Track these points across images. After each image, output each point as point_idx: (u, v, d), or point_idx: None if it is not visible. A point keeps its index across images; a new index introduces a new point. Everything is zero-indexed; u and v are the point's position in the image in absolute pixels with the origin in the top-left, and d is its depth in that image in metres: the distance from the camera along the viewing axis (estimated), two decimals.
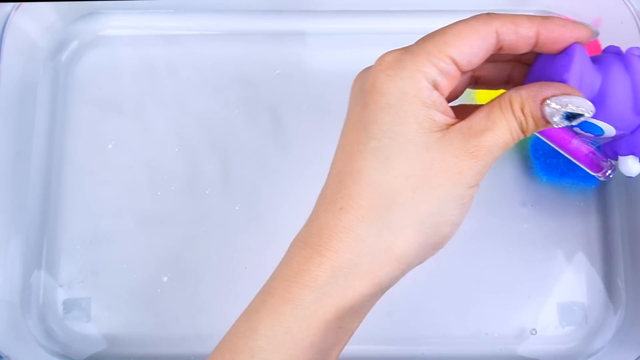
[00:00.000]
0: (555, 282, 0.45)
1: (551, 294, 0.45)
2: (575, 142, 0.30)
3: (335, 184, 0.26)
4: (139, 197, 0.47)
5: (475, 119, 0.25)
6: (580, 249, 0.45)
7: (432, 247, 0.26)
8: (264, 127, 0.48)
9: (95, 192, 0.47)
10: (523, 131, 0.26)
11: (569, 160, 0.46)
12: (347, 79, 0.48)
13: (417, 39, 0.27)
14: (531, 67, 0.28)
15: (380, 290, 0.26)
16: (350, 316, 0.26)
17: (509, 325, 0.44)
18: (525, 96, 0.25)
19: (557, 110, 0.25)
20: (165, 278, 0.46)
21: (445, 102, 0.26)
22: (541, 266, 0.45)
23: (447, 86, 0.26)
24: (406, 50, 0.26)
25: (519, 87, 0.26)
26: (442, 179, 0.25)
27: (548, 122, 0.25)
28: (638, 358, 0.41)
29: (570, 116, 0.25)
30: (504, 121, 0.25)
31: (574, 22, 0.26)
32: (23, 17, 0.46)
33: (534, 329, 0.44)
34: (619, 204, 0.46)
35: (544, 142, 0.46)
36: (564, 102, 0.25)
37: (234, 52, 0.49)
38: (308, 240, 0.26)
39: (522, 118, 0.25)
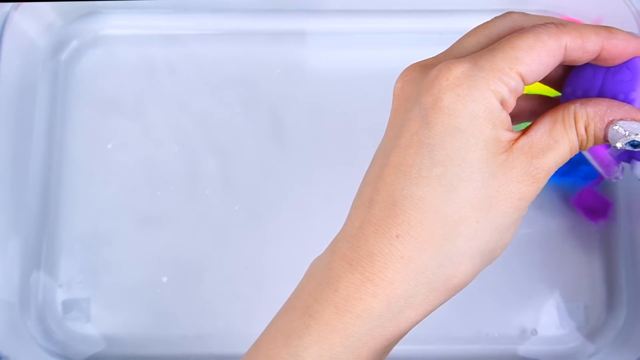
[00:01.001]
0: (556, 283, 0.45)
1: (552, 294, 0.45)
2: (609, 152, 0.29)
3: (389, 206, 0.24)
4: (138, 197, 0.47)
5: (536, 135, 0.24)
6: (581, 249, 0.45)
7: (483, 268, 0.25)
8: (264, 127, 0.48)
9: (94, 192, 0.47)
10: (580, 148, 0.25)
11: (570, 160, 0.46)
12: (347, 79, 0.48)
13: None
14: (573, 72, 0.27)
15: (429, 314, 0.25)
16: (397, 341, 0.26)
17: (510, 325, 0.44)
18: (591, 115, 0.24)
19: (624, 136, 0.24)
20: (165, 278, 0.45)
21: (509, 118, 0.24)
22: (542, 266, 0.45)
23: (513, 103, 0.24)
24: (475, 64, 0.24)
25: (584, 102, 0.25)
26: (505, 207, 0.24)
27: (607, 141, 0.24)
28: (639, 359, 0.41)
29: (636, 144, 0.24)
30: (567, 139, 0.24)
31: (636, 37, 0.25)
32: (22, 17, 0.46)
33: (535, 330, 0.44)
34: (620, 203, 0.46)
35: None
36: (634, 128, 0.24)
37: (234, 52, 0.49)
38: (356, 264, 0.24)
39: (585, 137, 0.24)
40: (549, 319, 0.44)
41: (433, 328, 0.44)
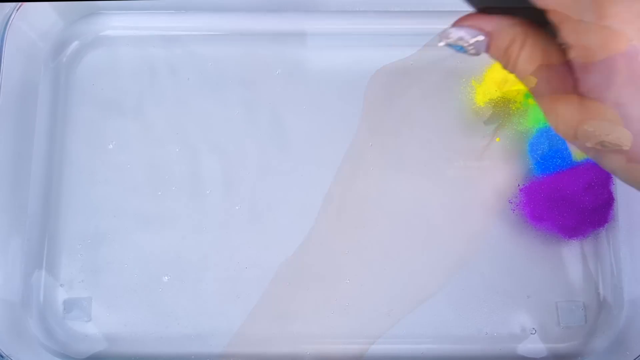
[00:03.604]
0: (555, 282, 0.45)
1: (551, 294, 0.45)
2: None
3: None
4: (139, 197, 0.47)
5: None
6: (581, 248, 0.45)
7: None
8: (265, 127, 0.48)
9: (95, 192, 0.47)
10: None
11: (569, 159, 0.46)
12: (347, 79, 0.49)
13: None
14: None
15: None
16: None
17: (509, 324, 0.44)
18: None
19: (595, 136, 0.24)
20: (166, 278, 0.46)
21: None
22: (541, 265, 0.45)
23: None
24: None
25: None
26: None
27: (577, 139, 0.25)
28: (637, 358, 0.41)
29: (606, 145, 0.24)
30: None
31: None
32: (24, 18, 0.46)
33: (534, 329, 0.44)
34: (620, 202, 0.46)
35: (543, 142, 0.46)
36: (604, 128, 0.24)
37: (234, 52, 0.49)
38: None
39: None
40: (548, 319, 0.44)
41: (433, 328, 0.44)
